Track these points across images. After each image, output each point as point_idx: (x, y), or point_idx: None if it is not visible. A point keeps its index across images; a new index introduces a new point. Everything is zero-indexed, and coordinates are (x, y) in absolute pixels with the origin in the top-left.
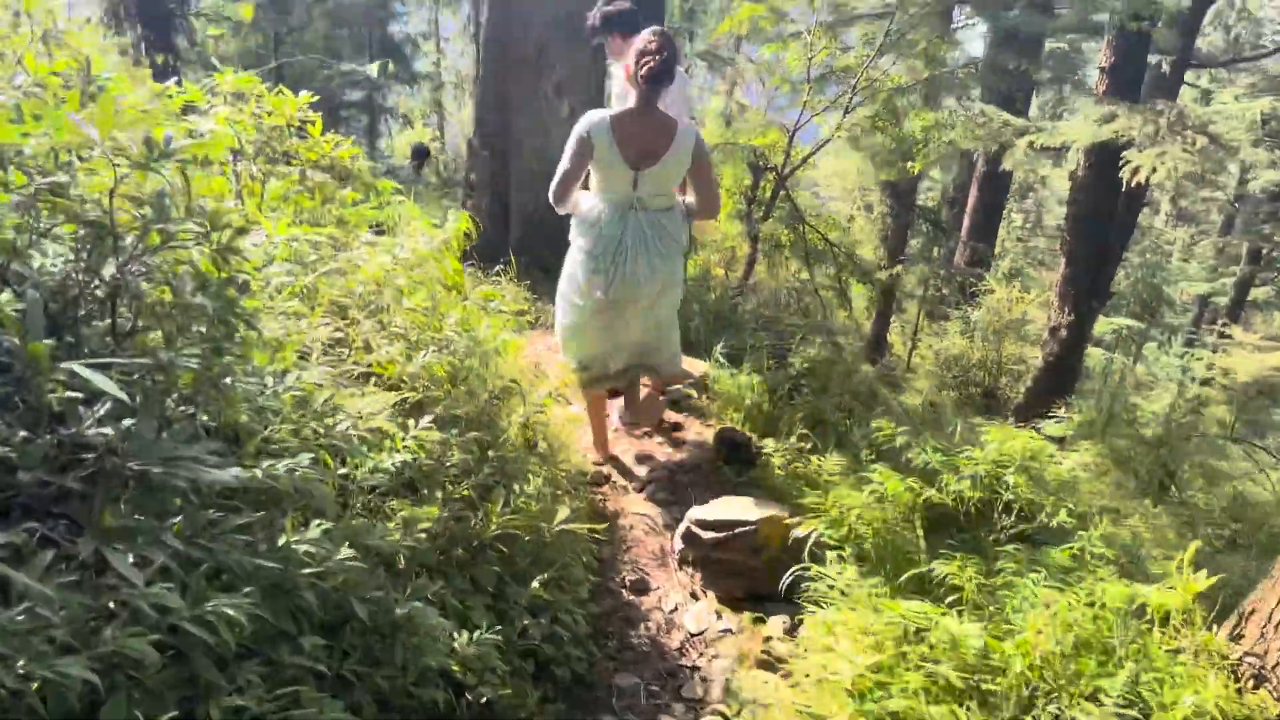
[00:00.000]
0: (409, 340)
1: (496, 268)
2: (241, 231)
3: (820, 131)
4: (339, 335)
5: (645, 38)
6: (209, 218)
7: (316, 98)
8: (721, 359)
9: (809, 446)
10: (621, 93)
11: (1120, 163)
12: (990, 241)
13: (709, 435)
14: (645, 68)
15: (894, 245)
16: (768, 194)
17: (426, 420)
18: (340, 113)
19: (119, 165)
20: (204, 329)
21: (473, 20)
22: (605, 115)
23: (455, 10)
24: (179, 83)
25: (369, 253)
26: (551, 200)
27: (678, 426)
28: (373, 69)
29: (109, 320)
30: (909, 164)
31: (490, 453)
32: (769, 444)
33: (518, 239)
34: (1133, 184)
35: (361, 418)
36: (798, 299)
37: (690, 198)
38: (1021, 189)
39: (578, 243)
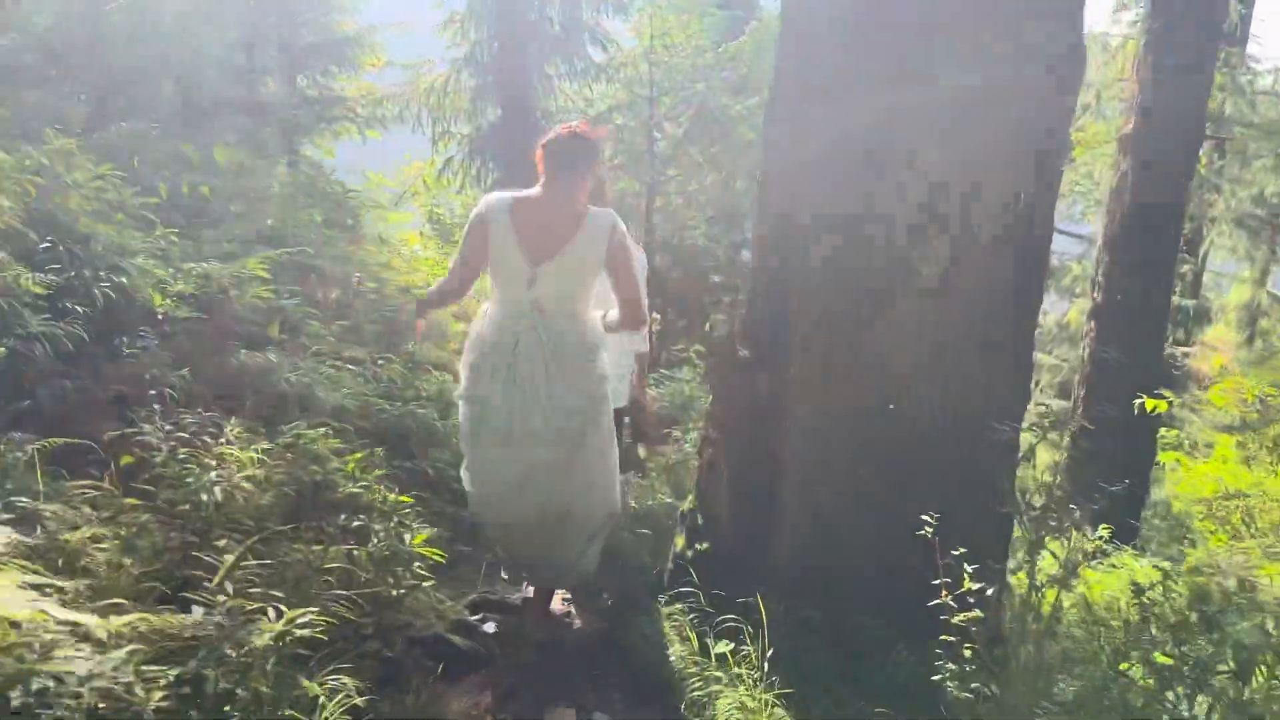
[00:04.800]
0: None
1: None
2: None
3: None
4: None
5: (558, 129)
6: None
7: None
8: None
9: None
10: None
11: None
12: None
13: None
14: (554, 149)
15: None
16: None
17: None
18: None
19: None
20: None
21: None
22: (508, 197)
23: None
24: None
25: None
26: (429, 298)
27: None
28: None
29: None
30: None
31: None
32: None
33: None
34: None
35: None
36: None
37: (614, 311)
38: None
39: (466, 360)
